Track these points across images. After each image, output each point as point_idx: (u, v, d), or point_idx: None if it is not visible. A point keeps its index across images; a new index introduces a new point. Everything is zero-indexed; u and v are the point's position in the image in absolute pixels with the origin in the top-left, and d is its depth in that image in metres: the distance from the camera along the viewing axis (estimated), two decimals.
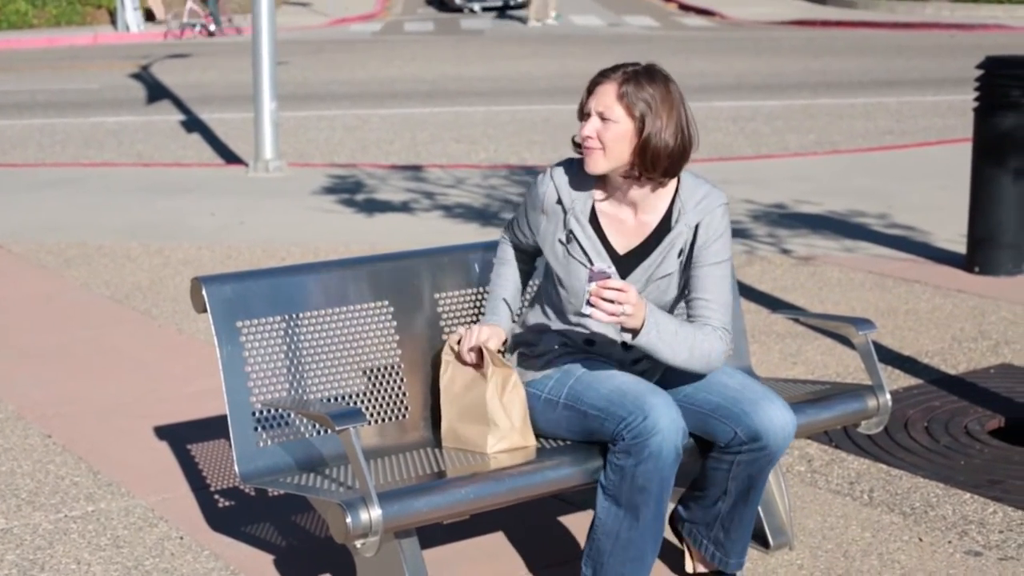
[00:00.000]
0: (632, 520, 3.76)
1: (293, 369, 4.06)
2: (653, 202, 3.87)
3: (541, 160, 13.16)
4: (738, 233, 9.26)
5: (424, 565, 3.78)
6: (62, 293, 8.05)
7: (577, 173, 3.91)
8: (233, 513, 4.87)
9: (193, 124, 16.26)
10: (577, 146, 3.85)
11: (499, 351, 4.03)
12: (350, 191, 11.32)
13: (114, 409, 5.99)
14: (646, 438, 3.65)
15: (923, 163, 12.34)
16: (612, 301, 3.53)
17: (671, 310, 3.95)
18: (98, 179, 12.18)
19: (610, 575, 3.84)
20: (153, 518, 4.83)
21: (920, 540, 4.58)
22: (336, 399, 4.10)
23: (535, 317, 4.06)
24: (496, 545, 4.59)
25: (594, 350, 3.95)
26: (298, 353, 4.07)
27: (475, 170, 12.41)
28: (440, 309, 4.33)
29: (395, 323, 4.23)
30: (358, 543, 3.54)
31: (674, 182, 3.89)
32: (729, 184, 10.82)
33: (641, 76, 3.77)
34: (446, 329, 4.32)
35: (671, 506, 4.16)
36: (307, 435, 4.03)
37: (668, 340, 3.70)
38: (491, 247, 4.39)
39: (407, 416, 4.20)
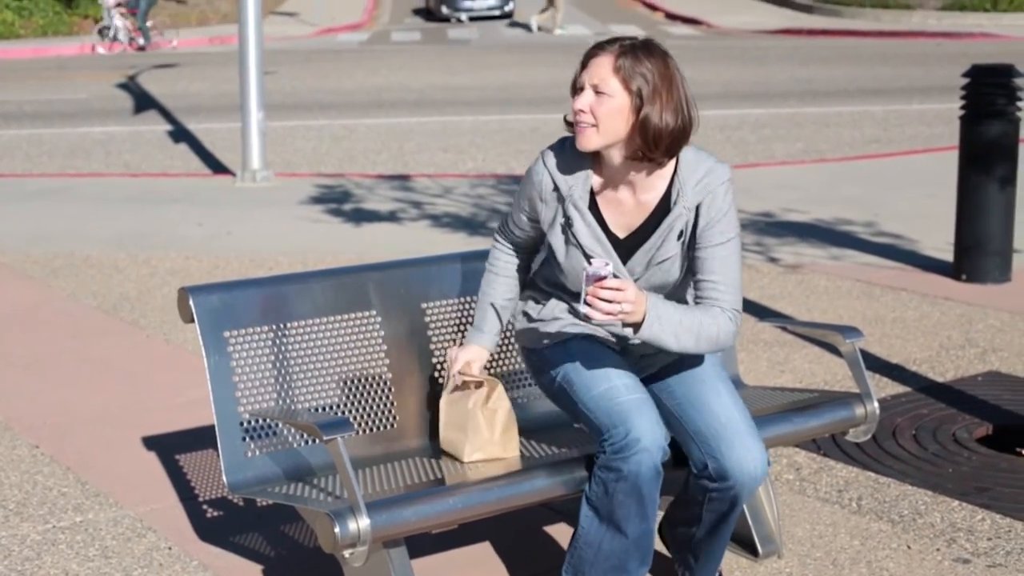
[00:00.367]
0: (615, 532, 3.74)
1: (281, 379, 4.05)
2: (652, 181, 3.72)
3: None
4: None
5: (413, 574, 3.77)
6: (49, 304, 8.04)
7: (570, 155, 3.77)
8: (222, 523, 4.86)
9: (180, 134, 16.25)
10: (569, 125, 3.71)
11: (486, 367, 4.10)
12: (337, 201, 11.32)
13: (102, 419, 5.98)
14: (626, 456, 3.62)
15: (910, 171, 12.36)
16: (610, 300, 3.46)
17: (680, 292, 3.85)
18: (85, 189, 12.17)
19: None
20: (141, 528, 4.82)
21: (908, 548, 4.58)
22: (324, 409, 4.10)
23: (540, 284, 3.98)
24: (485, 554, 4.59)
25: (596, 323, 3.80)
26: (286, 363, 4.07)
27: (463, 180, 12.41)
28: (428, 319, 4.33)
29: (382, 333, 4.23)
30: (346, 553, 3.54)
31: (673, 160, 3.73)
32: None
33: (639, 50, 3.63)
34: (433, 338, 4.32)
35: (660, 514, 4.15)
36: (295, 445, 4.03)
37: (671, 330, 3.60)
38: (479, 256, 4.38)
39: (395, 425, 4.20)
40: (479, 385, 3.99)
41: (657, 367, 3.92)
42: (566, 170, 3.77)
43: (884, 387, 6.24)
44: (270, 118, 14.64)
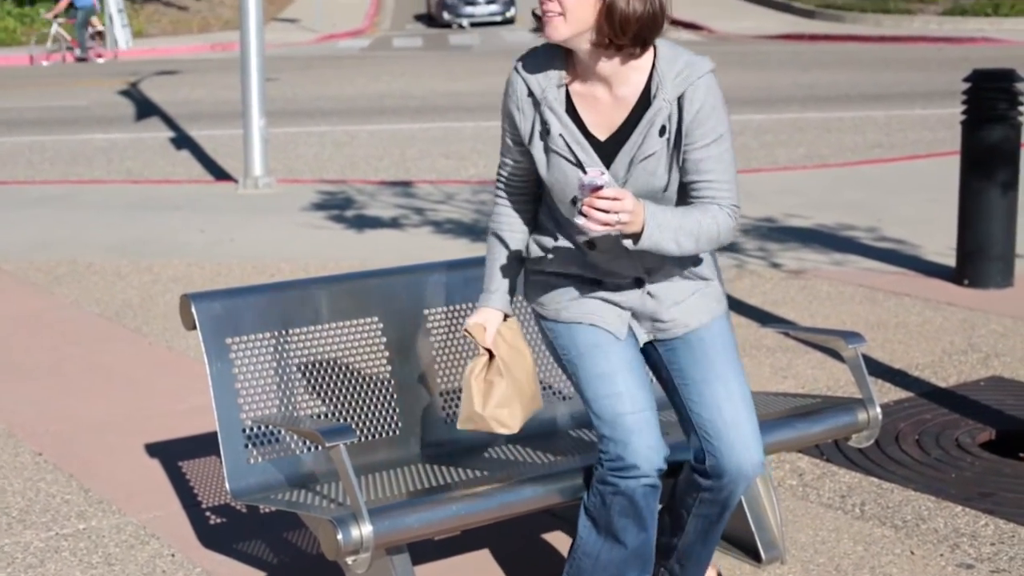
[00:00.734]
0: (613, 542, 3.73)
1: (283, 386, 4.05)
2: (627, 74, 3.55)
3: None
4: (727, 247, 9.27)
5: None
6: (52, 311, 8.04)
7: (542, 59, 3.63)
8: (224, 530, 4.86)
9: (182, 141, 16.26)
10: (537, 18, 3.55)
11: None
12: (339, 207, 11.32)
13: (105, 426, 5.98)
14: (622, 473, 3.60)
15: (912, 176, 12.36)
16: (606, 211, 3.33)
17: (668, 198, 3.63)
18: (88, 196, 12.18)
19: None
20: (144, 535, 4.82)
21: (912, 553, 4.58)
22: (326, 415, 4.10)
23: (540, 230, 3.82)
24: (487, 560, 4.58)
25: (595, 254, 3.68)
26: (288, 370, 4.07)
27: (464, 186, 12.42)
28: (429, 325, 4.33)
29: (384, 339, 4.23)
30: (349, 560, 3.54)
31: (650, 54, 3.57)
32: None
33: None
34: (436, 345, 4.32)
35: None
36: (298, 451, 4.03)
37: (671, 236, 3.48)
38: (481, 263, 4.37)
39: (397, 432, 4.20)
40: (490, 353, 3.79)
41: (670, 334, 3.76)
42: (539, 72, 3.63)
43: (887, 392, 6.24)
44: (272, 125, 14.66)
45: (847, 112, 17.67)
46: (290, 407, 4.04)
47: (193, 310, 3.97)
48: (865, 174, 12.62)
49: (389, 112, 18.83)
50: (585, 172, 3.38)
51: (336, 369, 4.14)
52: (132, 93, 21.88)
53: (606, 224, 3.34)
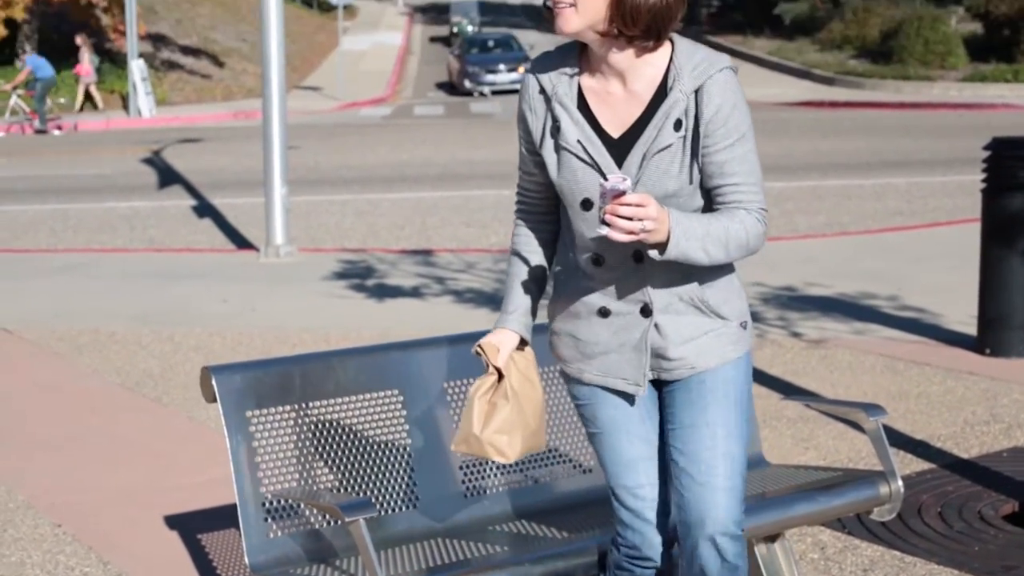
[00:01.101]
0: None
1: (303, 459, 4.05)
2: (642, 68, 3.41)
3: None
4: (754, 319, 9.24)
5: None
6: (73, 380, 8.06)
7: (556, 58, 3.52)
8: None
9: (205, 209, 16.35)
10: (548, 10, 3.42)
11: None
12: (361, 276, 11.36)
13: (124, 498, 5.98)
14: (638, 562, 3.56)
15: (933, 244, 12.36)
16: (629, 218, 3.17)
17: (681, 204, 3.42)
18: (110, 264, 12.24)
19: None
20: None
21: None
22: (346, 489, 4.09)
23: (559, 251, 3.65)
24: None
25: (602, 273, 3.48)
26: (308, 443, 4.07)
27: (486, 254, 12.45)
28: (449, 397, 4.33)
29: (405, 412, 4.23)
30: None
31: (667, 49, 3.43)
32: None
33: None
34: (455, 417, 4.31)
35: None
36: (317, 525, 4.02)
37: (698, 244, 3.31)
38: None
39: (417, 506, 4.19)
40: (499, 374, 3.56)
41: (674, 375, 3.52)
42: (551, 69, 3.50)
43: (909, 463, 6.20)
44: (294, 193, 14.72)
45: (867, 179, 17.69)
46: (310, 480, 4.04)
47: (213, 383, 3.97)
48: (886, 242, 12.62)
49: (411, 180, 18.92)
50: (604, 177, 3.26)
51: (356, 442, 4.14)
52: (155, 161, 22.02)
53: (630, 232, 3.19)
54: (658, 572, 3.60)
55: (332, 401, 4.13)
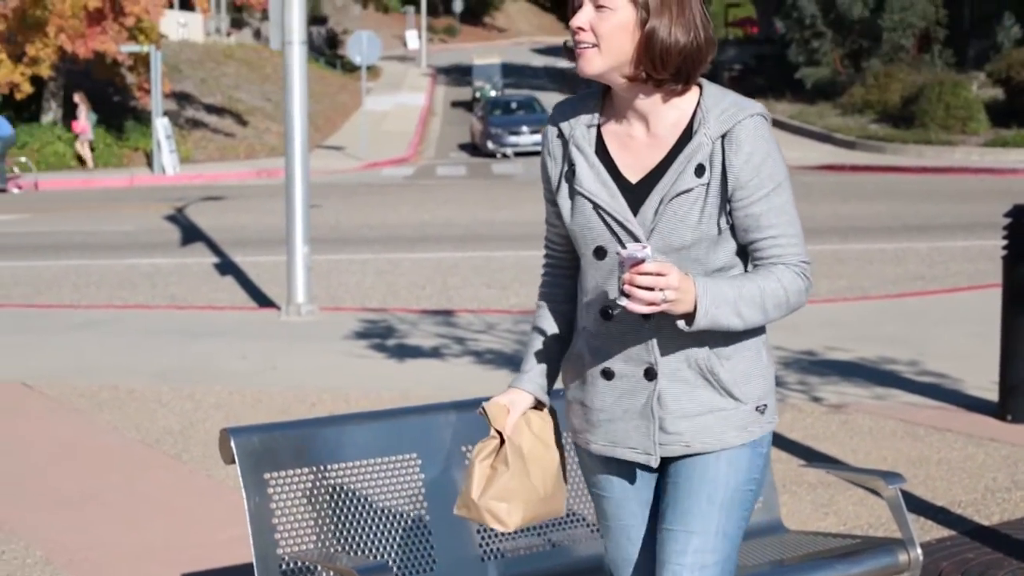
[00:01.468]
0: None
1: (321, 521, 4.05)
2: (666, 113, 3.23)
3: None
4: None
5: None
6: (93, 437, 8.08)
7: (577, 102, 3.36)
8: None
9: (226, 267, 16.42)
10: (569, 51, 3.23)
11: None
12: (381, 336, 11.37)
13: (142, 555, 5.98)
14: None
15: (954, 309, 12.33)
16: (651, 288, 2.99)
17: (698, 260, 3.21)
18: (131, 321, 12.28)
19: None
20: None
21: None
22: (363, 552, 4.09)
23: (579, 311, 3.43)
24: None
25: (610, 328, 3.27)
26: (326, 505, 4.07)
27: (506, 315, 12.46)
28: (466, 461, 4.31)
29: (423, 476, 4.23)
30: None
31: (695, 92, 3.25)
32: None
33: None
34: None
35: None
36: None
37: (730, 309, 3.12)
38: None
39: (435, 569, 4.18)
40: (501, 437, 3.42)
41: (667, 451, 3.28)
42: (571, 115, 3.34)
43: (928, 530, 6.17)
44: (315, 251, 14.77)
45: (888, 243, 17.69)
46: (327, 543, 4.04)
47: (232, 445, 3.98)
48: (907, 307, 12.60)
49: (432, 240, 18.97)
50: (624, 247, 3.11)
51: (373, 505, 4.14)
52: (178, 218, 22.14)
53: (651, 303, 3.00)
54: None
55: (350, 464, 4.14)
